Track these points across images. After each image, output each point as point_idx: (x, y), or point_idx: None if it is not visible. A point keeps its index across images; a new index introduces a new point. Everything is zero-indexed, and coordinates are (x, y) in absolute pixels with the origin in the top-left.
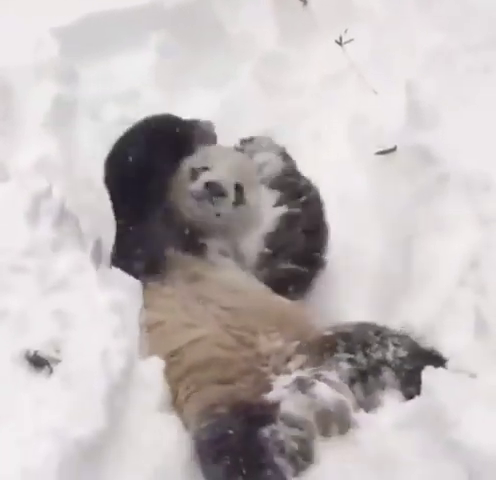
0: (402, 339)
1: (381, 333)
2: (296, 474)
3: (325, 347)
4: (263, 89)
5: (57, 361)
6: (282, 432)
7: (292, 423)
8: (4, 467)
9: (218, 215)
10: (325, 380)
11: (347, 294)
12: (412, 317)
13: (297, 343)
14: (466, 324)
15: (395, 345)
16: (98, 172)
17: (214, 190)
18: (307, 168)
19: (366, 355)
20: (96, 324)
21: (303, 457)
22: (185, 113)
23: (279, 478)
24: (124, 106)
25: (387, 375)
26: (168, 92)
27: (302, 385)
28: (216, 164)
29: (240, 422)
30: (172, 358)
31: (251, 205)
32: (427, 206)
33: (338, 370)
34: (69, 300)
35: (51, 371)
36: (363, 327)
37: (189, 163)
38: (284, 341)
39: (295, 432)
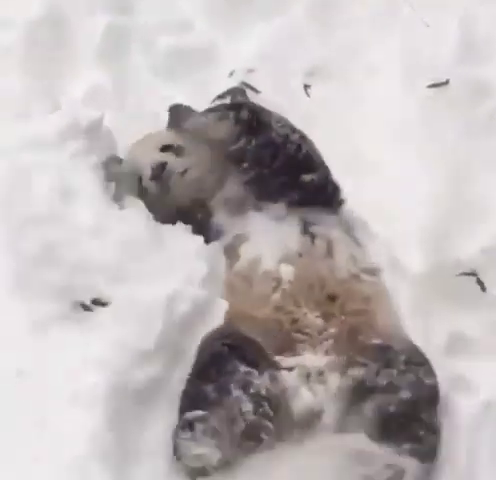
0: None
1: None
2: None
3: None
4: (315, 22)
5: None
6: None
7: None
8: (53, 393)
9: None
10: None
11: (398, 230)
12: (464, 253)
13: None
14: None
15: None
16: (150, 103)
17: None
18: (359, 101)
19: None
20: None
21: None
22: (236, 45)
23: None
24: (177, 37)
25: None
26: (221, 23)
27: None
28: None
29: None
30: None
31: None
32: (479, 141)
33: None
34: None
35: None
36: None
37: None
38: (325, 323)
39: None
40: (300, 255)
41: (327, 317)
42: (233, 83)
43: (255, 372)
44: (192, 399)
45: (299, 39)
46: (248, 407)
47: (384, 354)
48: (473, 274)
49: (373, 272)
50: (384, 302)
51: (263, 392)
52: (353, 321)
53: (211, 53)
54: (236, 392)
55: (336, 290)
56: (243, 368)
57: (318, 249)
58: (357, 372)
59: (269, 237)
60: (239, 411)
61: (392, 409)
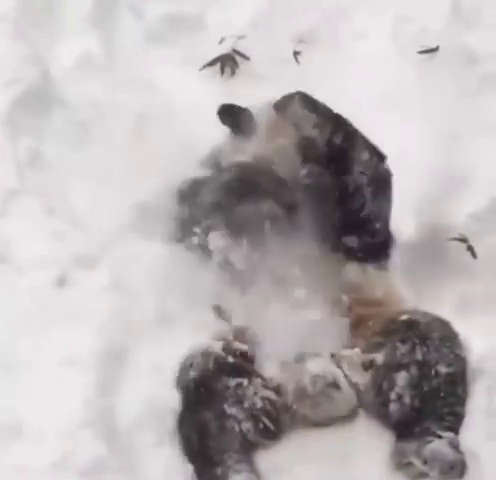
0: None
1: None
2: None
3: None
4: None
5: None
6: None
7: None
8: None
9: None
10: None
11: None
12: (455, 219)
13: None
14: None
15: (444, 362)
16: (141, 69)
17: None
18: (349, 67)
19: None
20: None
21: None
22: (227, 12)
23: None
24: (168, 3)
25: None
26: None
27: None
28: None
29: None
30: None
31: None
32: (468, 107)
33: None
34: None
35: None
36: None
37: None
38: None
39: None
40: None
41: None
42: (223, 50)
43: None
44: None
45: (289, 6)
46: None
47: (415, 329)
48: (464, 240)
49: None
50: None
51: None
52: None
53: (201, 20)
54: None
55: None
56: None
57: None
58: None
59: None
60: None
61: (430, 384)
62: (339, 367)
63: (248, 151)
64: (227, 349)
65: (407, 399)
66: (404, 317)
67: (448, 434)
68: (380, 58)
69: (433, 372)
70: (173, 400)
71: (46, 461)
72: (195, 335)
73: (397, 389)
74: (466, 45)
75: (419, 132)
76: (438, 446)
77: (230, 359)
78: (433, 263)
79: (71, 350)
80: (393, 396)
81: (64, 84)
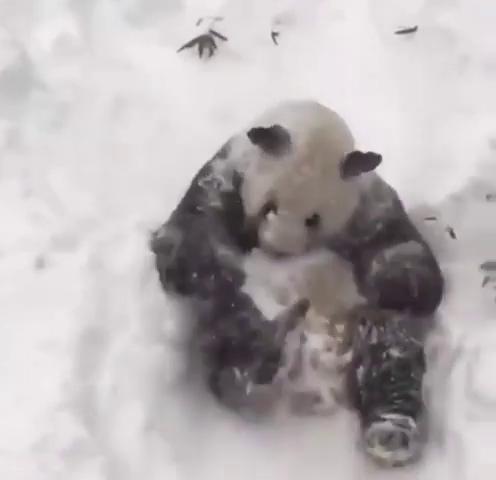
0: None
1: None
2: None
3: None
4: None
5: None
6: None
7: None
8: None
9: None
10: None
11: None
12: (438, 196)
13: None
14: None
15: (398, 346)
16: (117, 50)
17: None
18: (328, 47)
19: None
20: None
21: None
22: None
23: None
24: None
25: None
26: None
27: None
28: (281, 199)
29: None
30: None
31: (329, 228)
32: (448, 86)
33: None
34: None
35: None
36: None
37: (255, 195)
38: None
39: None
40: None
41: None
42: (201, 31)
43: None
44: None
45: None
46: None
47: (376, 314)
48: (443, 221)
49: None
50: None
51: None
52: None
53: (179, 1)
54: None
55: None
56: None
57: None
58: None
59: None
60: None
61: (380, 368)
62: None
63: (275, 171)
64: None
65: (360, 386)
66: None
67: (394, 415)
68: (358, 39)
69: (385, 355)
70: (152, 384)
71: (26, 443)
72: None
73: (359, 385)
74: (444, 25)
75: (397, 113)
76: (379, 425)
77: None
78: None
79: (50, 332)
80: (361, 385)
81: (42, 66)
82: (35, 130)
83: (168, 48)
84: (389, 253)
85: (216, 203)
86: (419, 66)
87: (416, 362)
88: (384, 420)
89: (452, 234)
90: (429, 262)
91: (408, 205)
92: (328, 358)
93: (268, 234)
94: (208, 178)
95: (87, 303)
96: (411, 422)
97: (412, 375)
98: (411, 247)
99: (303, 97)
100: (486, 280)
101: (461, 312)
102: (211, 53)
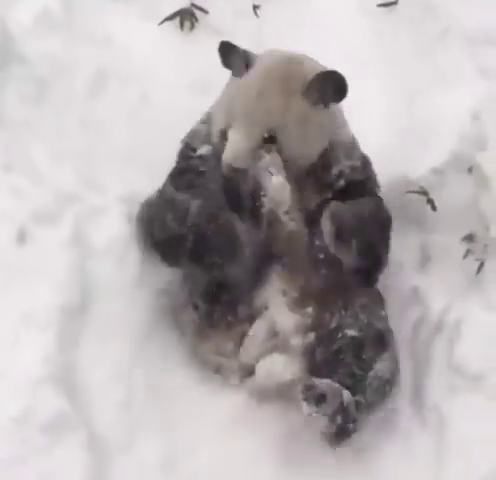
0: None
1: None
2: None
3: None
4: None
5: None
6: None
7: None
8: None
9: None
10: None
11: None
12: (419, 169)
13: None
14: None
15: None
16: (98, 24)
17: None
18: (310, 20)
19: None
20: None
21: None
22: None
23: None
24: None
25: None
26: None
27: None
28: (238, 118)
29: None
30: None
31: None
32: (429, 59)
33: None
34: None
35: None
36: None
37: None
38: None
39: None
40: None
41: None
42: (182, 4)
43: None
44: None
45: None
46: None
47: (344, 295)
48: (424, 193)
49: None
50: None
51: None
52: None
53: None
54: None
55: None
56: None
57: None
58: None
59: None
60: None
61: (332, 347)
62: None
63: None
64: None
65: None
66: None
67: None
68: (339, 12)
69: (340, 335)
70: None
71: (6, 417)
72: (157, 295)
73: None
74: None
75: (378, 86)
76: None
77: None
78: (393, 216)
79: (31, 306)
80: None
81: (23, 41)
82: (15, 104)
83: (149, 22)
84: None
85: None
86: (401, 39)
87: (372, 344)
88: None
89: (433, 207)
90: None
91: (389, 178)
92: (297, 341)
93: (225, 153)
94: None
95: (68, 277)
96: (346, 394)
97: (363, 356)
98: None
99: None
100: (467, 253)
101: (442, 285)
102: (192, 26)
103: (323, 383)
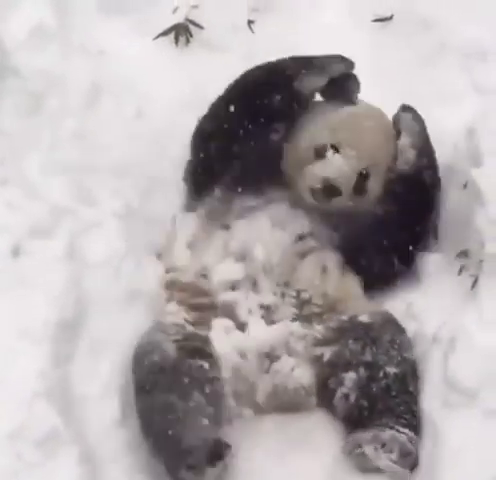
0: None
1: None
2: None
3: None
4: None
5: None
6: None
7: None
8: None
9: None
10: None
11: None
12: None
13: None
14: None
15: (392, 363)
16: (93, 38)
17: (330, 192)
18: (305, 35)
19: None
20: None
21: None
22: None
23: None
24: None
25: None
26: None
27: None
28: (345, 141)
29: None
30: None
31: (371, 195)
32: (423, 75)
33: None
34: None
35: None
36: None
37: (313, 134)
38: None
39: None
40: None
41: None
42: (177, 19)
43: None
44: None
45: None
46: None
47: (369, 332)
48: None
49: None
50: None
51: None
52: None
53: None
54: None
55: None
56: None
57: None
58: (333, 348)
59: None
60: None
61: (380, 384)
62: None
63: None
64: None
65: (352, 398)
66: (361, 318)
67: (407, 431)
68: (335, 27)
69: (382, 373)
70: (128, 373)
71: (1, 431)
72: (150, 308)
73: (343, 389)
74: (421, 13)
75: (375, 101)
76: (397, 434)
77: (190, 342)
78: None
79: (26, 320)
80: (338, 394)
81: (18, 54)
82: (10, 117)
83: (144, 36)
84: None
85: None
86: (396, 54)
87: (412, 376)
88: (398, 431)
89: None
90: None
91: None
92: (302, 347)
93: (325, 170)
94: None
95: (63, 291)
96: (416, 440)
97: (411, 389)
98: None
99: None
100: (462, 269)
101: (437, 300)
102: (187, 41)
103: (408, 438)
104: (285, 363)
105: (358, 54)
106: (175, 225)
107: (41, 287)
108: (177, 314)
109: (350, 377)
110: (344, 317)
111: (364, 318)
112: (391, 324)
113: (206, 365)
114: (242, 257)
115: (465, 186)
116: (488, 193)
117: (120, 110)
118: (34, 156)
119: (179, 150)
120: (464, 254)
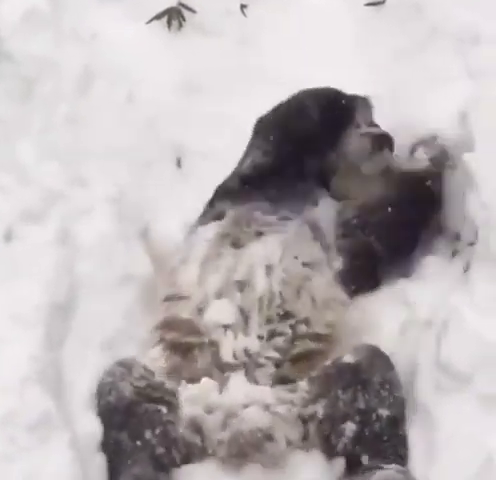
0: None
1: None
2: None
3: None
4: None
5: None
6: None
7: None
8: None
9: None
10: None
11: None
12: None
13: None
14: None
15: (384, 405)
16: (86, 23)
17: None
18: (297, 19)
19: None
20: None
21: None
22: None
23: None
24: None
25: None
26: None
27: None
28: None
29: None
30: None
31: None
32: (416, 59)
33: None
34: None
35: None
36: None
37: None
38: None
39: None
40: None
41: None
42: (170, 3)
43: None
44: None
45: None
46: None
47: (357, 376)
48: None
49: (342, 302)
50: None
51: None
52: (307, 346)
53: None
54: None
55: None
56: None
57: None
58: (324, 402)
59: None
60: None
61: (373, 429)
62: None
63: None
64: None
65: (352, 446)
66: (346, 359)
67: (394, 465)
68: (326, 11)
69: (374, 417)
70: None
71: None
72: (141, 293)
73: (345, 439)
74: None
75: (366, 85)
76: (388, 472)
77: (150, 388)
78: None
79: (18, 305)
80: (340, 446)
81: (10, 39)
82: (3, 102)
83: (136, 20)
84: None
85: None
86: (388, 38)
87: (401, 417)
88: (388, 469)
89: None
90: None
91: None
92: (287, 409)
93: None
94: None
95: (55, 275)
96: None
97: (400, 432)
98: None
99: (271, 70)
100: (454, 253)
101: (430, 284)
102: (180, 25)
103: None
104: (243, 413)
105: (350, 38)
106: (190, 240)
107: (33, 271)
108: (157, 361)
109: (350, 428)
110: (327, 362)
111: (349, 358)
112: (379, 361)
113: (164, 409)
114: (244, 285)
115: (455, 168)
116: (480, 177)
117: (113, 94)
118: (26, 141)
119: (171, 134)
120: (456, 238)
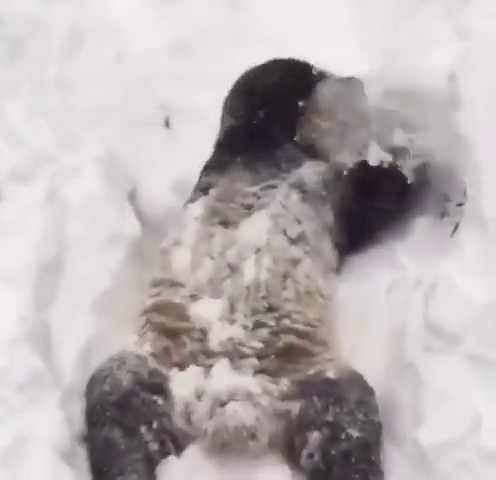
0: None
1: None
2: None
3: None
4: None
5: None
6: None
7: None
8: None
9: None
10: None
11: None
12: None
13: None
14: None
15: (356, 426)
16: None
17: None
18: None
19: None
20: None
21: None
22: None
23: None
24: None
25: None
26: None
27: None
28: None
29: None
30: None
31: None
32: (406, 22)
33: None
34: None
35: None
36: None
37: None
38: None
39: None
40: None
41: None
42: None
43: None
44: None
45: None
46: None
47: (334, 390)
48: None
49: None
50: (332, 328)
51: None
52: (290, 341)
53: None
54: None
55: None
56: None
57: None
58: (300, 403)
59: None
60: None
61: (340, 447)
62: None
63: None
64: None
65: (317, 458)
66: (328, 374)
67: None
68: None
69: (343, 435)
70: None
71: None
72: (130, 254)
73: (309, 448)
74: None
75: (356, 47)
76: None
77: (147, 375)
78: None
79: (7, 265)
80: (304, 454)
81: None
82: None
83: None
84: None
85: None
86: (381, 3)
87: (374, 442)
88: None
89: None
90: None
91: None
92: (269, 402)
93: None
94: None
95: (44, 235)
96: None
97: (372, 458)
98: None
99: (261, 31)
100: (443, 214)
101: (418, 246)
102: None
103: None
104: (230, 406)
105: (341, 3)
106: (182, 218)
107: (22, 231)
108: (142, 345)
109: (314, 437)
110: (310, 372)
111: (330, 374)
112: (359, 383)
113: (160, 400)
114: (234, 270)
115: (446, 131)
116: (469, 137)
117: (102, 55)
118: (15, 101)
119: (161, 95)
120: (446, 199)
